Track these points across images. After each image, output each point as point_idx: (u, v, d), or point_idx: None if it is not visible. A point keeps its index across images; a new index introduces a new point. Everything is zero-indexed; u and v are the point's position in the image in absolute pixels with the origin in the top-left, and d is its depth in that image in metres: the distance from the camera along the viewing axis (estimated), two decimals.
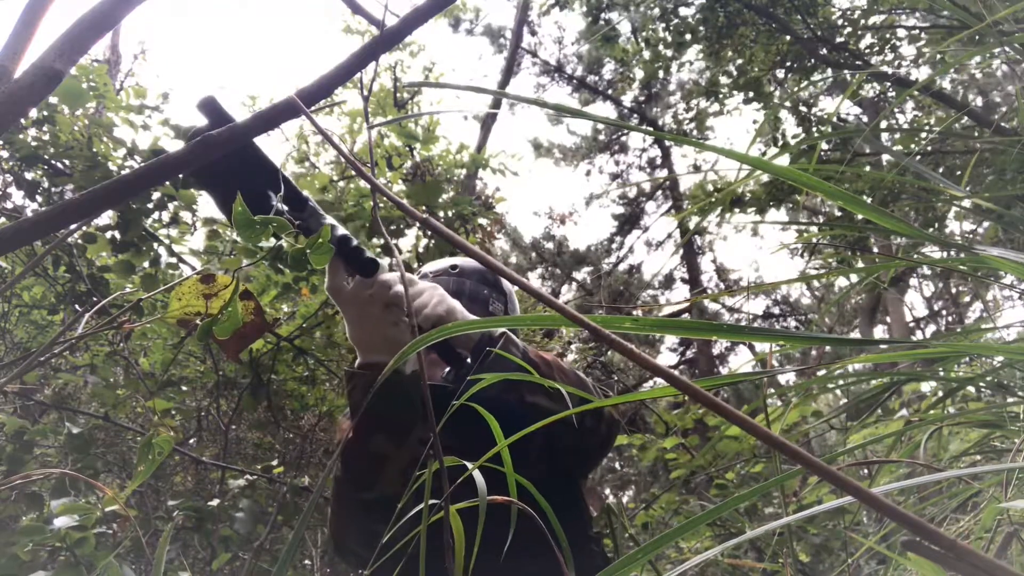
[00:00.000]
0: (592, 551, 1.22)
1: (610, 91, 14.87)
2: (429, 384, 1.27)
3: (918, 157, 5.96)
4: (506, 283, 1.46)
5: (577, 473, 1.29)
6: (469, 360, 1.10)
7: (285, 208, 0.97)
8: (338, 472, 1.17)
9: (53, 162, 2.52)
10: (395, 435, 1.09)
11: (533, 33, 14.89)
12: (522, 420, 0.67)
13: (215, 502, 2.41)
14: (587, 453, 1.21)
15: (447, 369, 1.31)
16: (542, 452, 1.14)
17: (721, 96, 8.44)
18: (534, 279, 13.63)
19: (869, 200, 0.51)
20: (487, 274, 1.42)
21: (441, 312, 1.09)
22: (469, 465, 0.66)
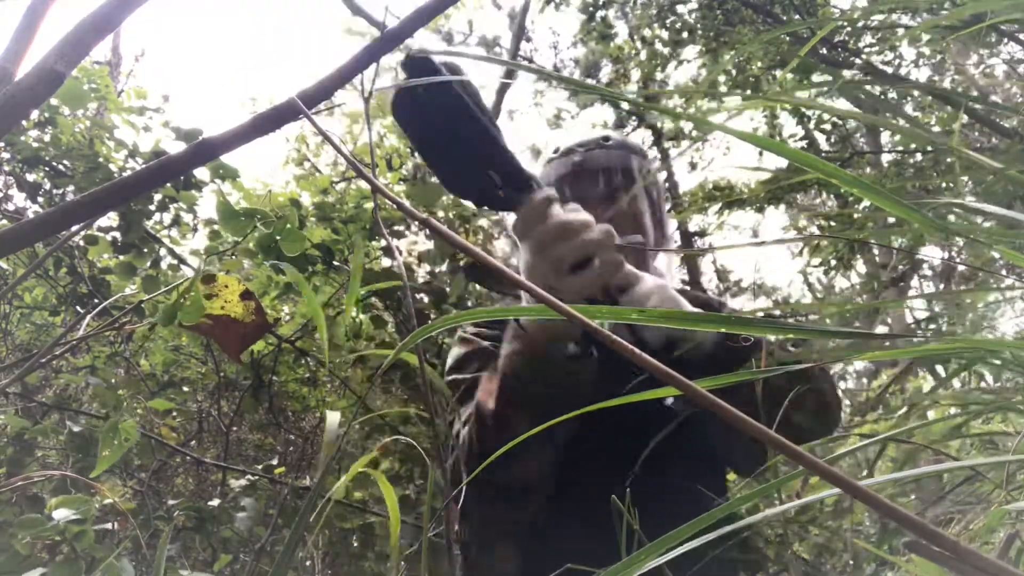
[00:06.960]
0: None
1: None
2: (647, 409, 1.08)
3: (919, 156, 5.95)
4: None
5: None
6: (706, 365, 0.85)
7: (500, 183, 0.86)
8: (468, 443, 0.95)
9: (54, 164, 2.53)
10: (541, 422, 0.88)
11: (528, 40, 14.94)
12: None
13: (216, 502, 2.41)
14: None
15: None
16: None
17: (721, 93, 8.44)
18: None
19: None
20: (629, 143, 1.23)
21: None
22: None
